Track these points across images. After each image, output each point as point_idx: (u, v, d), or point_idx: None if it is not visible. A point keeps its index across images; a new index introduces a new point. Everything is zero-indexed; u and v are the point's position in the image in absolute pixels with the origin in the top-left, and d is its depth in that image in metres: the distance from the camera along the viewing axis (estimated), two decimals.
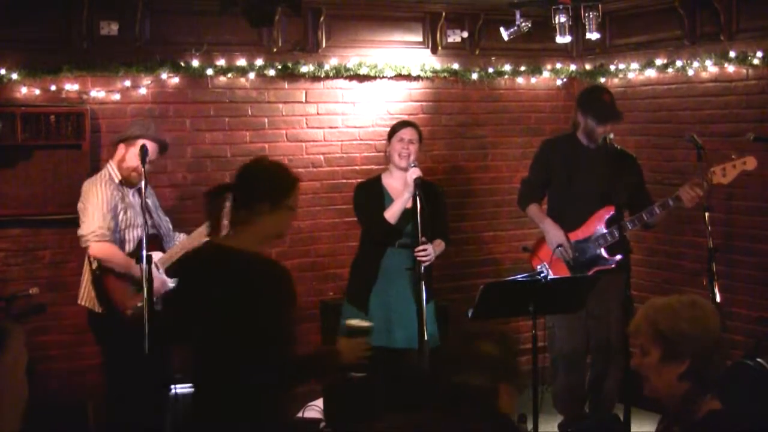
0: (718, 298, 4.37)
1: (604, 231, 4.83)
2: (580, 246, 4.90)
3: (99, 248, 4.54)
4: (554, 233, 4.92)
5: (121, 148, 4.69)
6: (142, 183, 4.35)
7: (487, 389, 2.46)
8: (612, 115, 4.89)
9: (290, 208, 3.11)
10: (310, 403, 5.70)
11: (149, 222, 4.60)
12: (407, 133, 4.76)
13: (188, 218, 5.39)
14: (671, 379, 2.42)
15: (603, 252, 4.85)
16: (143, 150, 4.42)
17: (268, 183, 3.09)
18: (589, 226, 4.90)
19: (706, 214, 4.54)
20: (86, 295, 4.70)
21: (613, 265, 4.84)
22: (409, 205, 4.58)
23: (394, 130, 4.82)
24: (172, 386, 4.97)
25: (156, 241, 4.76)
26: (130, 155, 4.63)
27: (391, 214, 4.64)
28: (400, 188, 4.69)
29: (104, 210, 4.55)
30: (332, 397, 5.33)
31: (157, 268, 4.67)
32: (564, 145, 5.10)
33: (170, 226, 4.97)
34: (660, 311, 2.48)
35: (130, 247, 4.67)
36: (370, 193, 4.80)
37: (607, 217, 4.83)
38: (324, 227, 5.92)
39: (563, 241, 4.88)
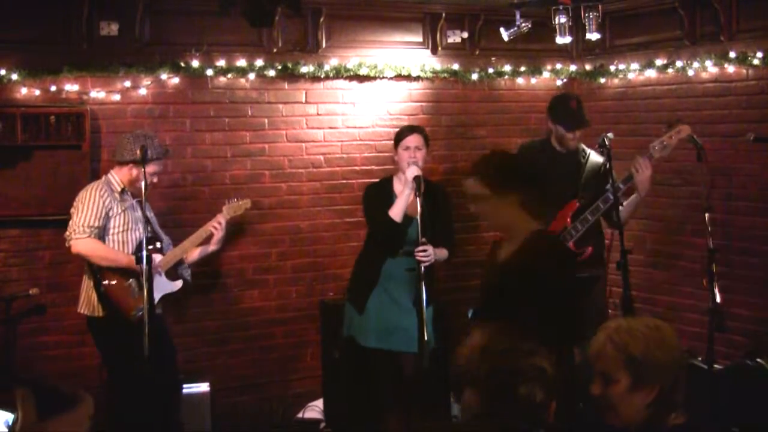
0: (718, 299, 4.37)
1: (569, 226, 4.95)
2: None
3: (81, 244, 4.53)
4: None
5: (132, 169, 4.64)
6: (143, 186, 4.34)
7: (545, 404, 2.48)
8: (579, 122, 5.05)
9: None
10: (310, 404, 5.71)
11: (149, 228, 4.60)
12: (412, 140, 4.72)
13: (188, 218, 5.39)
14: (639, 407, 2.36)
15: (571, 246, 4.94)
16: (144, 152, 4.41)
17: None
18: (557, 225, 5.01)
19: (706, 214, 4.54)
20: (86, 301, 4.69)
21: (583, 258, 4.93)
22: (411, 208, 4.56)
23: (400, 137, 4.79)
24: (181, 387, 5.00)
25: (155, 244, 4.75)
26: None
27: (396, 212, 4.61)
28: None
29: (91, 211, 4.54)
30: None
31: (159, 273, 4.68)
32: (538, 150, 5.22)
33: (170, 243, 4.95)
34: (629, 337, 2.39)
35: (129, 248, 4.66)
36: (380, 195, 4.78)
37: (572, 212, 4.97)
38: (324, 227, 5.92)
39: None
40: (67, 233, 4.57)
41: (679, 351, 2.40)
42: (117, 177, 4.70)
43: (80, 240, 4.53)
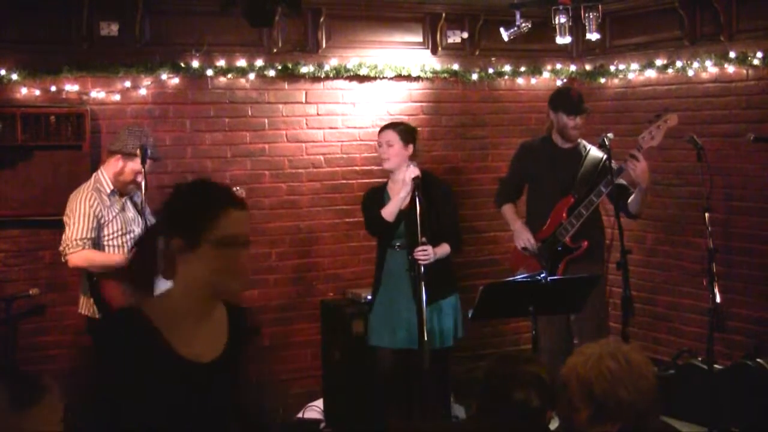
0: (718, 299, 4.37)
1: (564, 221, 4.95)
2: (549, 242, 5.00)
3: (76, 258, 4.48)
4: (520, 235, 5.05)
5: (119, 160, 4.58)
6: (142, 186, 4.32)
7: (541, 411, 2.48)
8: (580, 107, 5.01)
9: (219, 243, 2.23)
10: (310, 404, 5.71)
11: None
12: (382, 137, 4.78)
13: None
14: None
15: (567, 241, 4.95)
16: (143, 151, 4.40)
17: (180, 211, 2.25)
18: (553, 221, 5.01)
19: (706, 214, 4.55)
20: (85, 303, 4.68)
21: (579, 252, 4.93)
22: (407, 205, 4.59)
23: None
24: None
25: None
26: (128, 169, 4.54)
27: (388, 212, 4.65)
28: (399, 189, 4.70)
29: (81, 223, 4.48)
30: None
31: None
32: (539, 147, 5.21)
33: None
34: (595, 372, 2.31)
35: (125, 251, 4.64)
36: (374, 197, 4.83)
37: (567, 207, 4.96)
38: (324, 228, 5.92)
39: (527, 244, 5.01)
40: (62, 248, 4.52)
41: (648, 389, 2.31)
42: (106, 174, 4.61)
43: (75, 254, 4.49)
